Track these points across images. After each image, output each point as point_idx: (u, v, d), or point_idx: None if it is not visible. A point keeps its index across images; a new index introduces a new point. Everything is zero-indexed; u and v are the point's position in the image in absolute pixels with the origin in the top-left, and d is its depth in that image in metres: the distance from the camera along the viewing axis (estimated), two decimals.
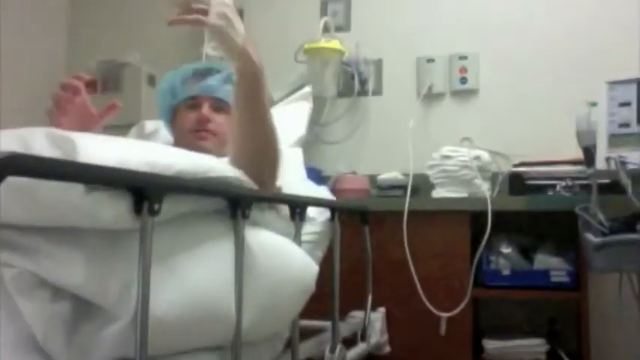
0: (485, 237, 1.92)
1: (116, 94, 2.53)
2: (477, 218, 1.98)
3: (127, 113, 2.39)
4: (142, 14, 2.90)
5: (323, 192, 1.91)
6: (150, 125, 1.89)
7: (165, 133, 1.74)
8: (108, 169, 0.76)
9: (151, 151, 0.93)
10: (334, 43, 2.46)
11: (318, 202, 1.59)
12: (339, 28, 2.58)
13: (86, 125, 1.39)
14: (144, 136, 1.84)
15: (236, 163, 1.23)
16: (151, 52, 2.69)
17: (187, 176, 0.91)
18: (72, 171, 0.73)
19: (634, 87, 1.58)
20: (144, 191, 0.81)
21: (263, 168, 1.30)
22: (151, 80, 2.62)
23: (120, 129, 2.03)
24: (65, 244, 0.85)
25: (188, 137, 1.54)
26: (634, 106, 1.57)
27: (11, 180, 0.59)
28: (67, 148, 0.81)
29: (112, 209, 0.79)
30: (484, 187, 2.07)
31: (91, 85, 1.51)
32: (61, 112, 1.39)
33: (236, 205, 1.02)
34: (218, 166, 1.01)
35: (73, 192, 0.77)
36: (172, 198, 0.86)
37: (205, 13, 1.21)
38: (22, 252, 0.86)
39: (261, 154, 1.30)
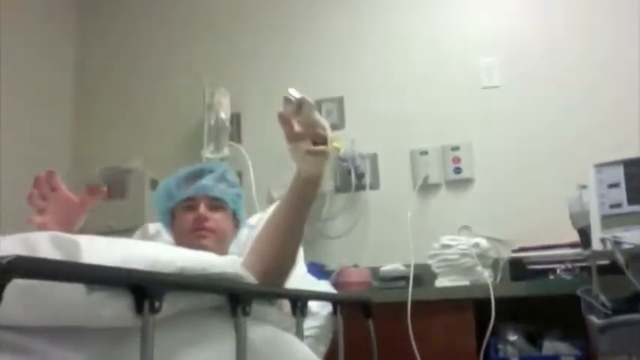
0: (491, 325, 1.91)
1: (121, 199, 2.60)
2: (480, 306, 1.98)
3: (132, 217, 2.45)
4: (143, 122, 3.02)
5: (324, 286, 1.91)
6: (153, 228, 1.92)
7: (167, 234, 1.78)
8: (108, 268, 0.79)
9: (151, 249, 0.95)
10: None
11: (319, 296, 1.60)
12: (333, 126, 2.65)
13: (71, 216, 1.41)
14: (147, 238, 1.87)
15: (260, 261, 1.30)
16: (153, 158, 2.77)
17: (187, 273, 0.94)
18: (74, 272, 0.75)
19: (620, 168, 1.62)
20: (144, 290, 0.83)
21: (285, 269, 1.38)
22: (154, 185, 2.68)
23: (125, 233, 2.07)
24: (67, 345, 0.86)
25: (188, 237, 1.57)
26: (622, 186, 1.61)
27: (14, 281, 0.62)
28: (71, 250, 0.84)
29: (113, 308, 0.81)
30: (486, 274, 2.08)
31: (99, 193, 1.50)
32: (40, 212, 1.39)
33: (236, 302, 1.03)
34: (218, 262, 1.03)
35: (74, 292, 0.79)
36: (173, 295, 0.88)
37: (324, 138, 1.32)
38: (24, 355, 0.87)
39: (289, 257, 1.38)
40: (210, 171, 1.68)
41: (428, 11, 2.71)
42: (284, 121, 1.32)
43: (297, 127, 1.31)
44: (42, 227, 1.36)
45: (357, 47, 2.77)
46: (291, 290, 1.41)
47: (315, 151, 1.32)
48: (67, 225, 1.40)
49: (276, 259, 1.35)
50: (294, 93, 1.32)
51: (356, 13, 2.81)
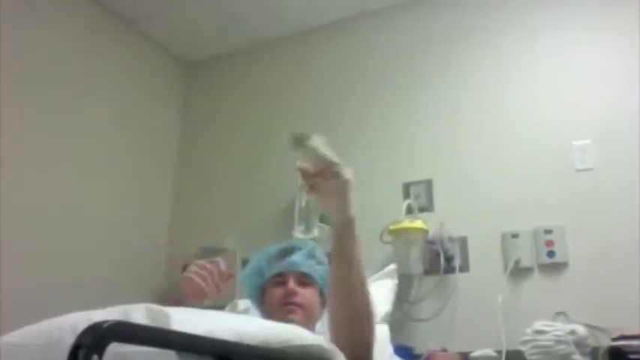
0: None
1: None
2: None
3: (222, 295, 2.52)
4: (238, 203, 3.17)
5: None
6: (242, 304, 1.98)
7: (256, 310, 1.82)
8: (199, 337, 0.83)
9: (237, 321, 0.99)
10: (417, 223, 2.54)
11: None
12: (422, 209, 2.68)
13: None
14: (237, 313, 1.92)
15: (337, 323, 1.32)
16: (245, 238, 2.88)
17: (271, 345, 0.96)
18: (168, 338, 0.80)
19: None
20: (231, 359, 0.87)
21: (363, 326, 1.35)
22: (245, 264, 2.76)
23: (215, 309, 2.13)
24: None
25: (277, 312, 1.60)
26: None
27: (110, 351, 0.66)
28: (162, 320, 0.89)
29: None
30: None
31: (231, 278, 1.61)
32: (203, 278, 1.50)
33: None
34: (301, 334, 1.04)
35: None
36: None
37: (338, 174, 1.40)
38: None
39: (360, 311, 1.36)
40: (299, 248, 1.73)
41: (520, 93, 2.71)
42: (303, 173, 1.38)
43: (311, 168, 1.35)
44: (195, 289, 1.48)
45: (446, 129, 2.80)
46: None
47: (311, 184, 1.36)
48: (199, 297, 1.50)
49: (346, 296, 1.36)
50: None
51: (445, 95, 2.86)
